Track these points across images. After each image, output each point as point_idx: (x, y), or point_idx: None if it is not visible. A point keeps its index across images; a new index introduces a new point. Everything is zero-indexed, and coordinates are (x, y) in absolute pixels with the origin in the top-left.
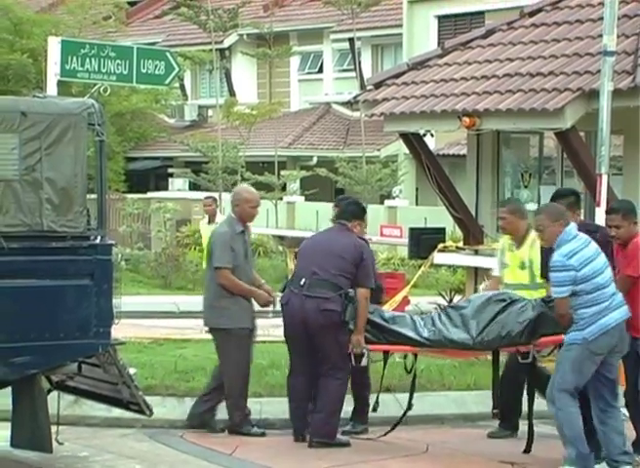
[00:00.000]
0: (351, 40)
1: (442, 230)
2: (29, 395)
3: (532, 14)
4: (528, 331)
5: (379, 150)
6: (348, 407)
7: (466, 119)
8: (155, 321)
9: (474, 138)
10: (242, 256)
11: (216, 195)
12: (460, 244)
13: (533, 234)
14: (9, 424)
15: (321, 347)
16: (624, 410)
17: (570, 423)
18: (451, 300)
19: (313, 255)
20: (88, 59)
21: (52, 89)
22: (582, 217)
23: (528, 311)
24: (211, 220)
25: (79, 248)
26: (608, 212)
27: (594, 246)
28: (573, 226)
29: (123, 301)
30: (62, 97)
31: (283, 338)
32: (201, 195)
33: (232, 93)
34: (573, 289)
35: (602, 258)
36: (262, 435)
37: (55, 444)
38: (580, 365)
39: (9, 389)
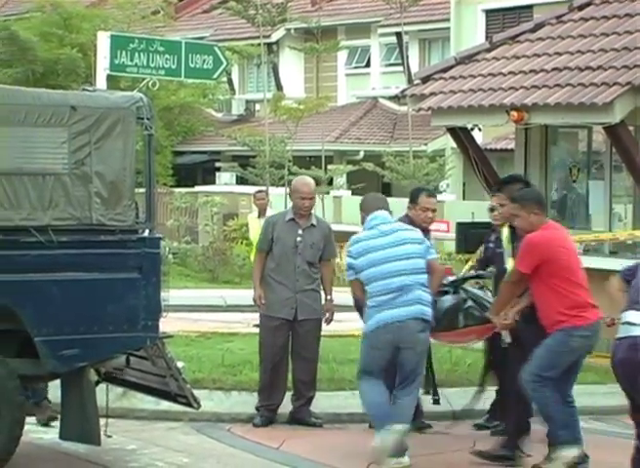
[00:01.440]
0: (399, 34)
1: (489, 225)
2: (78, 387)
3: (581, 7)
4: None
5: (426, 144)
6: None
7: (514, 113)
8: (202, 314)
9: (522, 133)
10: (289, 247)
11: (264, 189)
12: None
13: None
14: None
15: None
16: None
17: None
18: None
19: None
20: (137, 54)
21: (101, 83)
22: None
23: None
24: (261, 214)
25: (128, 241)
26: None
27: (386, 239)
28: (375, 216)
29: (170, 295)
30: (112, 90)
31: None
32: (248, 189)
33: (279, 87)
34: (357, 276)
35: (388, 252)
36: (320, 426)
37: (103, 436)
38: (365, 353)
39: (57, 381)
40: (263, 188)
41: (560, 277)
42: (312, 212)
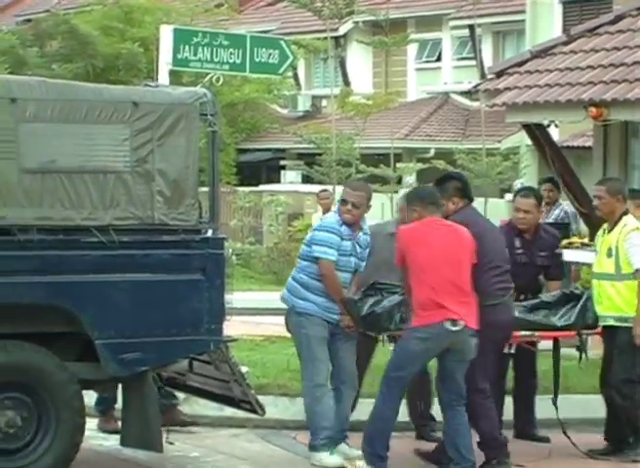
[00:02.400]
0: (471, 27)
1: (567, 226)
2: (139, 392)
3: None
4: None
5: (499, 142)
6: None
7: (593, 109)
8: (266, 318)
9: (601, 130)
10: (386, 263)
11: (330, 188)
12: (586, 240)
13: (626, 219)
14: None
15: None
16: None
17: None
18: None
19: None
20: (200, 48)
21: (163, 78)
22: None
23: None
24: (324, 213)
25: (191, 241)
26: None
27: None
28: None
29: (234, 297)
30: (174, 86)
31: None
32: (314, 188)
33: (347, 82)
34: None
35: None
36: None
37: (165, 443)
38: None
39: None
40: (328, 187)
41: (411, 273)
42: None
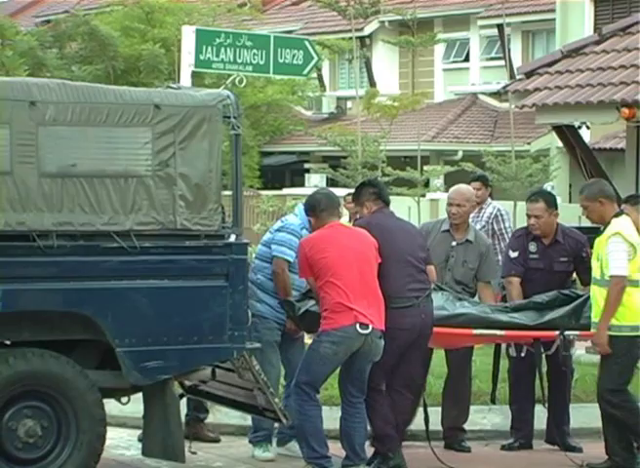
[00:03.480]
0: (500, 26)
1: (598, 229)
2: (161, 401)
3: None
4: None
5: (529, 144)
6: None
7: (625, 110)
8: None
9: (634, 131)
10: (439, 261)
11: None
12: None
13: (614, 222)
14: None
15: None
16: None
17: None
18: None
19: None
20: (223, 49)
21: (186, 80)
22: None
23: None
24: (351, 219)
25: (213, 247)
26: None
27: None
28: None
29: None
30: (197, 88)
31: None
32: (339, 192)
33: (373, 83)
34: None
35: None
36: None
37: (187, 453)
38: None
39: (140, 395)
40: (348, 191)
41: (321, 278)
42: (471, 225)
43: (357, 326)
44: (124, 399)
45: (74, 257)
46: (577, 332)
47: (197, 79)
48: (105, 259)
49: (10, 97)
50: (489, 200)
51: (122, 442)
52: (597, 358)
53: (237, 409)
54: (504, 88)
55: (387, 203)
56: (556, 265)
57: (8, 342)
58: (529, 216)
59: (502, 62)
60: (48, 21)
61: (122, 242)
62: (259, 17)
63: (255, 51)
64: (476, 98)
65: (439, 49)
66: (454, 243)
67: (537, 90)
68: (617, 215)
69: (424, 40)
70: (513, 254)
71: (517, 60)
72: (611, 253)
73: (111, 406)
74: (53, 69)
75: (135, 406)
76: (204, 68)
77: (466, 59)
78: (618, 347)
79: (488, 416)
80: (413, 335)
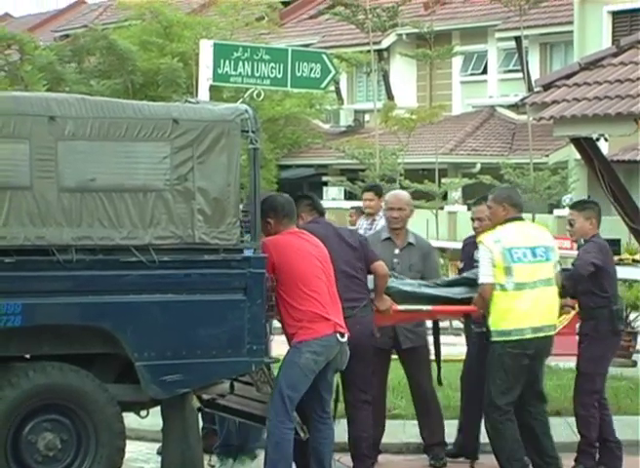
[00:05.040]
0: (518, 39)
1: (617, 242)
2: (180, 415)
3: None
4: None
5: (547, 156)
6: None
7: None
8: None
9: None
10: None
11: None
12: (637, 256)
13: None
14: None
15: None
16: None
17: None
18: (627, 317)
19: None
20: (241, 63)
21: (204, 94)
22: None
23: None
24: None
25: (232, 261)
26: None
27: None
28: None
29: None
30: (215, 102)
31: None
32: (357, 204)
33: (390, 96)
34: None
35: None
36: None
37: (206, 466)
38: None
39: (159, 408)
40: (357, 204)
41: (287, 286)
42: (408, 229)
43: (337, 335)
44: (143, 412)
45: (93, 272)
46: None
47: (215, 93)
48: (124, 273)
49: (29, 112)
50: (382, 211)
51: (141, 455)
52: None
53: (253, 423)
54: (522, 100)
55: (322, 213)
56: None
57: (27, 356)
58: (473, 220)
59: (520, 75)
60: (67, 36)
61: (141, 256)
62: (276, 30)
63: (272, 64)
64: (494, 111)
65: (457, 61)
66: (396, 250)
67: (554, 102)
68: (509, 221)
69: (442, 53)
70: (460, 265)
71: (535, 73)
72: (479, 260)
73: (130, 419)
74: (71, 84)
75: (154, 419)
76: (222, 82)
77: (484, 72)
78: (490, 354)
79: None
80: (349, 346)
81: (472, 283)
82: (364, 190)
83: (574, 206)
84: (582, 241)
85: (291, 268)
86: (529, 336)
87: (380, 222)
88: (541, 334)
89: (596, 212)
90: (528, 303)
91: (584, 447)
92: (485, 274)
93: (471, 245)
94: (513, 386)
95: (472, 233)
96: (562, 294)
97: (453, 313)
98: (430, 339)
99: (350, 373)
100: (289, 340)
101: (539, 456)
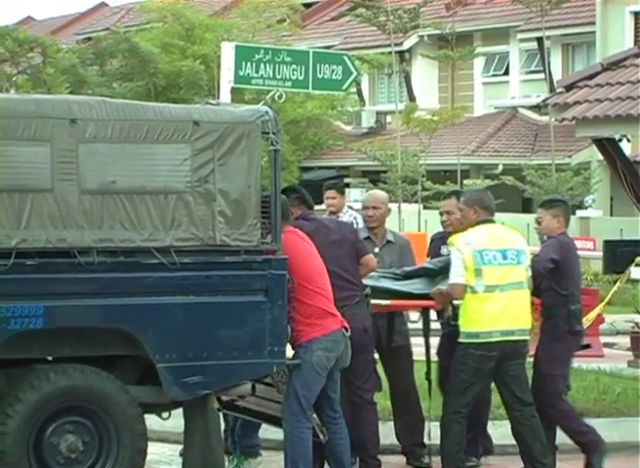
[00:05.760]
0: (540, 39)
1: (639, 243)
2: (201, 417)
3: None
4: None
5: (569, 157)
6: None
7: None
8: None
9: None
10: None
11: (395, 206)
12: None
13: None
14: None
15: None
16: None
17: None
18: None
19: None
20: (262, 65)
21: (225, 96)
22: None
23: None
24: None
25: (253, 262)
26: None
27: None
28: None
29: None
30: (236, 104)
31: None
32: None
33: (412, 97)
34: None
35: None
36: None
37: None
38: None
39: (180, 410)
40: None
41: (292, 282)
42: (387, 227)
43: (343, 330)
44: (164, 414)
45: (114, 274)
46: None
47: (237, 95)
48: (145, 275)
49: (51, 114)
50: (345, 208)
51: (164, 457)
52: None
53: (273, 425)
54: (544, 101)
55: (311, 206)
56: None
57: (49, 358)
58: (441, 214)
59: (542, 76)
60: (89, 39)
61: (162, 258)
62: (298, 32)
63: (294, 66)
64: (516, 112)
65: (478, 62)
66: (376, 249)
67: (577, 103)
68: (480, 223)
69: (464, 54)
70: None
71: (557, 74)
72: (452, 262)
73: (152, 420)
74: (94, 86)
75: (176, 421)
76: (243, 84)
77: (506, 73)
78: (455, 354)
79: None
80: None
81: (432, 273)
82: (325, 189)
83: (542, 204)
84: (545, 238)
85: (294, 266)
86: (496, 339)
87: (344, 219)
88: (512, 338)
89: (564, 210)
90: (498, 306)
91: (581, 439)
92: (456, 274)
93: (439, 240)
94: (469, 387)
95: (441, 229)
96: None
97: (411, 307)
98: (414, 340)
99: (351, 372)
100: (293, 340)
101: (529, 461)
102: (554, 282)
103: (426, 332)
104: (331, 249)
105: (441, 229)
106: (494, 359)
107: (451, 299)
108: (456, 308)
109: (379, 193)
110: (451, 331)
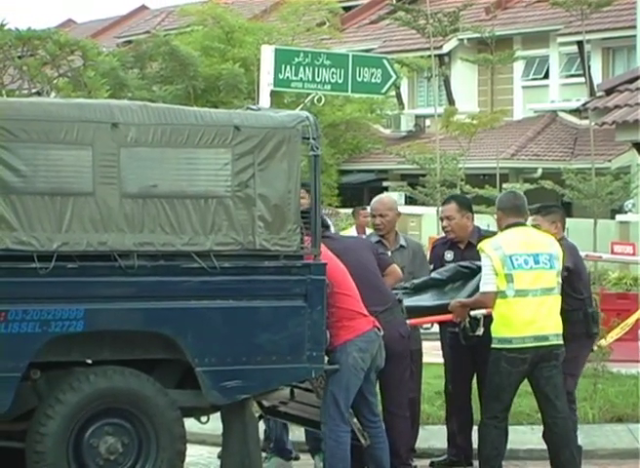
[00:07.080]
0: (580, 43)
1: None
2: (240, 421)
3: None
4: None
5: (609, 161)
6: None
7: None
8: None
9: None
10: None
11: (434, 210)
12: None
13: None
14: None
15: None
16: None
17: None
18: None
19: None
20: (302, 68)
21: (264, 99)
22: None
23: None
24: (358, 231)
25: (292, 267)
26: None
27: None
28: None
29: None
30: (276, 108)
31: None
32: (418, 210)
33: (451, 101)
34: None
35: None
36: None
37: None
38: None
39: (218, 414)
40: (418, 209)
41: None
42: (398, 232)
43: (376, 330)
44: (203, 418)
45: (155, 277)
46: (484, 311)
47: (276, 98)
48: (185, 279)
49: (93, 119)
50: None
51: (202, 459)
52: None
53: (315, 430)
54: (584, 105)
55: (327, 227)
56: None
57: (89, 361)
58: (442, 219)
59: (582, 79)
60: (129, 42)
61: (202, 262)
62: (337, 36)
63: (333, 70)
64: (556, 116)
65: (518, 66)
66: (388, 253)
67: (617, 107)
68: (510, 227)
69: (503, 58)
70: (430, 267)
71: (597, 77)
72: (482, 269)
73: (191, 423)
74: (134, 89)
75: (215, 423)
76: (283, 87)
77: (546, 77)
78: (490, 361)
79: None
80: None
81: (439, 284)
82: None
83: (538, 211)
84: None
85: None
86: (530, 345)
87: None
88: (546, 343)
89: (561, 215)
90: (529, 311)
91: None
92: (487, 282)
93: (441, 246)
94: (504, 391)
95: (443, 235)
96: None
97: (430, 323)
98: (425, 344)
99: (387, 380)
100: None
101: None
102: (569, 287)
103: (444, 344)
104: (357, 267)
105: (442, 235)
106: (527, 361)
107: (472, 309)
108: (473, 318)
109: (385, 199)
110: (452, 338)
